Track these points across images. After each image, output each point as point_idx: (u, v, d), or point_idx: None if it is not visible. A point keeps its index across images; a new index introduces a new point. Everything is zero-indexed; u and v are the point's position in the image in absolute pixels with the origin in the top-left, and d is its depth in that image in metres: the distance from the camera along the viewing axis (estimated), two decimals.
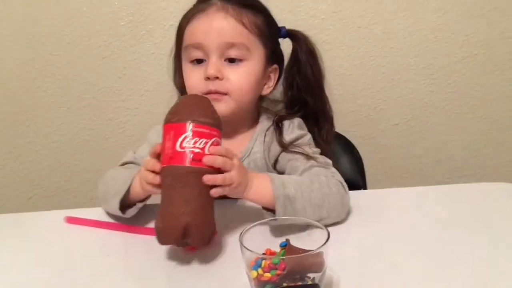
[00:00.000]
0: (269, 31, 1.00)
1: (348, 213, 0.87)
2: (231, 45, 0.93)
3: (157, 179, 0.75)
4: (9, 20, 1.33)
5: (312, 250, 0.57)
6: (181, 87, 1.06)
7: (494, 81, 1.45)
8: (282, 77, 1.08)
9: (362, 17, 1.37)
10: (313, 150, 0.99)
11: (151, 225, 0.86)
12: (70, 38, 1.35)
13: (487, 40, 1.41)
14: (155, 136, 1.00)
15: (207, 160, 0.72)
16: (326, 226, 0.69)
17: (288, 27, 1.07)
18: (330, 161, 0.96)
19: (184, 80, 1.00)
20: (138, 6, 1.33)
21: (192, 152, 0.70)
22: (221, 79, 0.93)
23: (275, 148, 1.01)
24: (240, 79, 0.94)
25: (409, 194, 1.01)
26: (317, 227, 0.63)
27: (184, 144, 0.70)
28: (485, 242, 0.76)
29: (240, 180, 0.78)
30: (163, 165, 0.72)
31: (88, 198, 1.47)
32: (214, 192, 0.74)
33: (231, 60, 0.95)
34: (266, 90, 1.03)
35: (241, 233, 0.62)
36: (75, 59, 1.37)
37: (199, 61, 0.96)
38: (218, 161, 0.74)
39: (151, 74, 1.33)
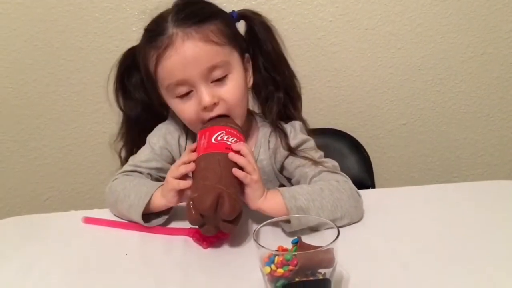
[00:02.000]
0: (231, 28, 0.96)
1: (362, 216, 0.88)
2: (212, 68, 0.89)
3: (190, 166, 0.82)
4: (24, 26, 1.36)
5: (323, 247, 0.59)
6: (126, 109, 1.04)
7: (500, 80, 1.46)
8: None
9: (369, 19, 1.39)
10: (319, 155, 0.98)
11: (168, 224, 0.89)
12: (83, 43, 1.38)
13: (493, 39, 1.42)
14: (156, 138, 1.01)
15: (235, 145, 0.83)
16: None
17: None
18: (337, 164, 0.96)
19: (178, 115, 0.96)
20: (150, 12, 1.35)
21: (225, 143, 0.82)
22: (218, 103, 0.91)
23: (281, 153, 0.99)
24: (233, 94, 0.92)
25: (417, 192, 1.02)
26: (328, 225, 0.65)
27: (219, 138, 0.82)
28: (494, 240, 0.77)
29: (257, 177, 0.83)
30: (199, 154, 0.82)
31: (102, 200, 1.48)
32: (237, 172, 0.80)
33: (218, 79, 0.92)
34: (249, 83, 1.00)
35: (255, 230, 0.64)
36: (88, 64, 1.40)
37: (186, 94, 0.92)
38: (244, 149, 0.83)
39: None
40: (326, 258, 0.60)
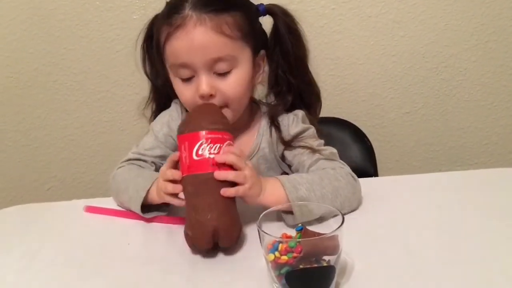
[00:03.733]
0: (250, 23, 0.93)
1: (360, 202, 0.88)
2: (218, 60, 0.88)
3: (177, 188, 0.77)
4: (24, 15, 1.35)
5: (327, 233, 0.59)
6: (152, 77, 1.03)
7: (505, 68, 1.45)
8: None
9: (372, 6, 1.38)
10: (318, 143, 0.98)
11: (171, 213, 0.89)
12: (84, 32, 1.37)
13: (498, 27, 1.41)
14: (159, 126, 1.01)
15: (219, 157, 0.73)
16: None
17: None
18: (335, 151, 0.95)
19: (177, 94, 0.96)
20: (150, 0, 1.35)
21: (208, 158, 0.73)
22: (215, 95, 0.90)
23: (280, 145, 1.00)
24: (234, 89, 0.91)
25: (420, 180, 1.02)
26: (333, 213, 0.65)
27: (200, 152, 0.73)
28: (497, 226, 0.77)
29: (253, 180, 0.78)
30: (183, 175, 0.75)
31: (104, 190, 1.49)
32: (228, 192, 0.73)
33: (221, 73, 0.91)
34: (258, 79, 0.99)
35: (259, 218, 0.63)
36: (89, 53, 1.39)
37: (188, 78, 0.92)
38: (230, 157, 0.74)
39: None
40: (331, 245, 0.60)
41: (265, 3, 0.99)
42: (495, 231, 0.76)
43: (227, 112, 0.91)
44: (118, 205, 0.96)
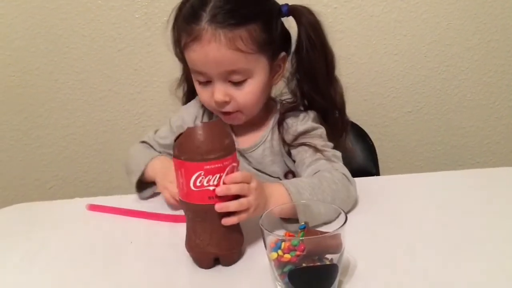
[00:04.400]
0: (267, 33, 0.92)
1: (355, 203, 0.88)
2: (232, 72, 0.90)
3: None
4: (26, 14, 1.35)
5: (330, 232, 0.59)
6: (183, 59, 1.01)
7: (507, 67, 1.45)
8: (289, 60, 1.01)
9: (374, 5, 1.38)
10: (324, 143, 0.97)
11: (173, 211, 0.89)
12: (86, 31, 1.37)
13: (500, 26, 1.41)
14: (175, 118, 1.07)
15: (220, 190, 0.68)
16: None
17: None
18: (339, 154, 0.95)
19: (197, 92, 1.00)
20: None
21: (207, 190, 0.67)
22: (229, 102, 0.93)
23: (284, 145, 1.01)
24: (248, 98, 0.93)
25: (422, 179, 1.02)
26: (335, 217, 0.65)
27: (198, 184, 0.67)
28: (499, 226, 0.77)
29: (257, 202, 0.74)
30: (181, 198, 0.70)
31: (106, 188, 1.50)
32: (229, 221, 0.70)
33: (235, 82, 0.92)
34: (277, 79, 1.00)
35: (262, 216, 0.63)
36: (91, 51, 1.39)
37: (206, 82, 0.95)
38: (233, 189, 0.69)
39: (166, 66, 1.35)
40: (333, 243, 0.59)
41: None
42: (497, 230, 0.76)
43: (238, 118, 0.96)
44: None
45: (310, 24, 0.96)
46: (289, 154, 1.01)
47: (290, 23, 0.99)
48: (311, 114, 1.02)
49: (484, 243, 0.72)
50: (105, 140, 1.47)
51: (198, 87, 0.97)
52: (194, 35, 0.88)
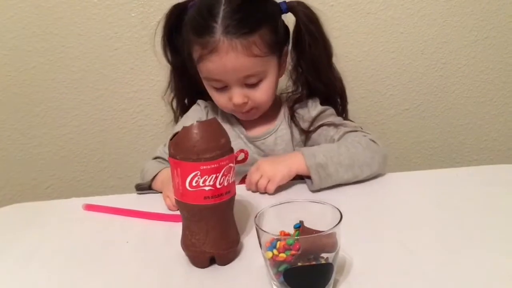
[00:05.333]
0: (275, 34, 0.99)
1: (382, 165, 0.96)
2: (248, 76, 0.97)
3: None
4: (22, 13, 1.35)
5: (325, 231, 0.59)
6: (174, 64, 1.11)
7: (504, 64, 1.45)
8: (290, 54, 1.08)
9: (371, 3, 1.38)
10: (339, 119, 1.07)
11: (169, 211, 0.89)
12: (82, 30, 1.37)
13: (497, 23, 1.41)
14: (179, 126, 1.05)
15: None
16: (365, 180, 0.95)
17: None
18: (356, 124, 1.05)
19: (212, 98, 1.05)
20: None
21: (203, 191, 0.67)
22: (247, 102, 1.00)
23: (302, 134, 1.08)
24: (264, 96, 1.00)
25: (420, 177, 1.02)
26: (330, 207, 0.65)
27: (194, 184, 0.66)
28: (497, 224, 0.77)
29: (274, 172, 0.91)
30: (176, 197, 0.70)
31: (103, 188, 1.49)
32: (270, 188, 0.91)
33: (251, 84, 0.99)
34: (281, 72, 1.07)
35: (257, 215, 0.63)
36: (87, 50, 1.39)
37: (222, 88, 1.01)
38: (251, 189, 0.93)
39: (162, 65, 1.34)
40: (329, 242, 0.59)
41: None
42: (495, 228, 0.76)
43: (254, 113, 1.04)
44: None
45: (308, 17, 1.03)
46: (305, 142, 1.08)
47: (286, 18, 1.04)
48: (316, 99, 1.10)
49: (482, 241, 0.72)
50: (102, 139, 1.46)
51: (214, 93, 1.03)
52: (211, 47, 0.93)
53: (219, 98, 1.02)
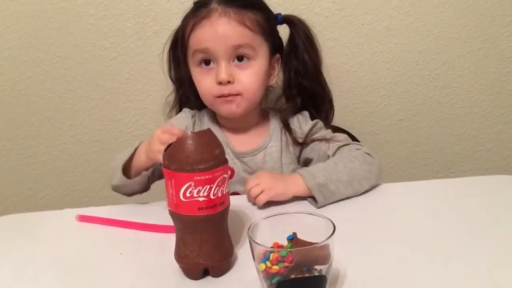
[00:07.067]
0: (269, 25, 1.03)
1: (379, 176, 0.98)
2: (238, 47, 0.97)
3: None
4: (18, 23, 1.35)
5: (318, 243, 0.59)
6: (176, 80, 1.14)
7: (498, 74, 1.46)
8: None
9: (365, 14, 1.38)
10: (328, 132, 1.08)
11: (163, 222, 0.88)
12: (77, 40, 1.37)
13: (491, 34, 1.42)
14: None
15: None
16: (366, 192, 0.95)
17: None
18: (346, 136, 1.06)
19: (196, 85, 1.04)
20: (144, 8, 1.35)
21: (197, 201, 0.67)
22: (233, 83, 0.98)
23: (294, 147, 1.09)
24: (250, 79, 0.99)
25: (414, 188, 1.02)
26: (323, 218, 0.65)
27: (188, 195, 0.66)
28: (493, 235, 0.77)
29: (270, 185, 0.90)
30: (170, 208, 0.70)
31: (98, 198, 1.49)
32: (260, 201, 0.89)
33: (240, 59, 0.98)
34: (271, 81, 1.08)
35: (250, 227, 0.63)
36: (83, 60, 1.39)
37: (207, 63, 1.00)
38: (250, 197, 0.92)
39: (158, 75, 1.35)
40: (322, 254, 0.59)
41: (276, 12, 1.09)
42: (491, 239, 0.76)
43: (238, 102, 1.01)
44: (112, 186, 1.00)
45: (303, 30, 1.09)
46: (298, 158, 1.10)
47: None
48: (305, 113, 1.12)
49: (478, 252, 0.72)
50: (97, 149, 1.46)
51: (199, 75, 1.02)
52: (204, 14, 0.97)
53: (204, 80, 1.01)
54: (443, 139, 1.51)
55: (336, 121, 1.38)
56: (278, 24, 1.09)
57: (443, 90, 1.46)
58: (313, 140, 1.06)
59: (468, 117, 1.49)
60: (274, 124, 1.11)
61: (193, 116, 1.12)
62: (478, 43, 1.42)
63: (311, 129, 1.08)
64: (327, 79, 1.18)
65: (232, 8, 0.96)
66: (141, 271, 0.74)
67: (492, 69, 1.45)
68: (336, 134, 1.08)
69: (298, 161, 1.11)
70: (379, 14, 1.39)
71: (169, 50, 1.14)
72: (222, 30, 0.96)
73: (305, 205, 0.92)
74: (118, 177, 0.96)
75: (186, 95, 1.15)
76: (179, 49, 1.08)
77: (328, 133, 1.08)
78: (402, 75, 1.44)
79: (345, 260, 0.68)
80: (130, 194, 1.02)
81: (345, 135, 1.08)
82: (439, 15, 1.40)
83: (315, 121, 1.10)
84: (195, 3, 1.04)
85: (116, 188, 1.01)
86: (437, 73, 1.45)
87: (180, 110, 1.17)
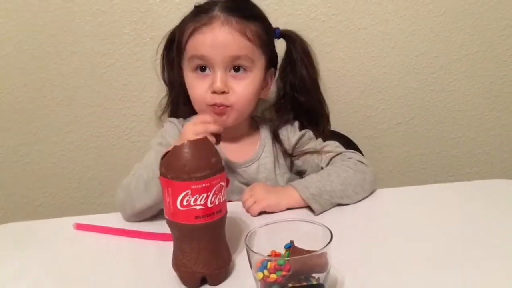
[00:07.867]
0: (268, 37, 1.02)
1: (373, 184, 0.97)
2: (237, 58, 0.96)
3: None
4: (14, 31, 1.35)
5: (316, 251, 0.59)
6: (169, 82, 1.13)
7: (495, 78, 1.46)
8: (277, 77, 1.12)
9: (362, 18, 1.39)
10: (319, 142, 1.07)
11: (160, 230, 0.87)
12: (75, 47, 1.37)
13: (487, 37, 1.42)
14: (159, 138, 1.04)
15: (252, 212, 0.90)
16: (359, 201, 0.95)
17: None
18: (337, 143, 1.06)
19: (188, 89, 1.03)
20: (141, 14, 1.35)
21: (194, 210, 0.66)
22: (227, 93, 0.96)
23: (285, 158, 1.09)
24: (245, 91, 0.98)
25: (412, 192, 1.02)
26: (320, 226, 0.65)
27: (185, 203, 0.66)
28: (491, 239, 0.77)
29: (263, 196, 0.91)
30: (167, 217, 0.70)
31: (96, 205, 1.48)
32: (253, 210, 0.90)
33: (236, 69, 0.97)
34: (264, 93, 1.07)
35: (247, 235, 0.63)
36: (80, 67, 1.39)
37: (202, 69, 0.98)
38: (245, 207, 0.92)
39: (155, 81, 1.34)
40: (320, 262, 0.59)
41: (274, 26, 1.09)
42: (489, 244, 0.76)
43: (229, 114, 0.99)
44: (128, 217, 0.93)
45: (301, 45, 1.09)
46: (291, 168, 1.09)
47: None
48: (295, 123, 1.11)
49: (476, 257, 0.72)
50: (95, 156, 1.46)
51: (193, 80, 1.00)
52: (205, 20, 0.96)
53: (198, 86, 0.98)
54: (441, 142, 1.51)
55: (334, 125, 1.38)
56: (275, 38, 1.08)
57: (440, 93, 1.46)
58: (305, 153, 1.06)
59: (465, 120, 1.49)
60: (265, 134, 1.10)
61: (183, 126, 1.08)
62: (475, 47, 1.42)
63: (298, 141, 1.08)
64: (323, 84, 1.18)
65: (234, 17, 0.95)
66: (139, 279, 0.74)
67: (489, 72, 1.45)
68: (328, 143, 1.07)
69: (291, 172, 1.11)
70: (376, 18, 1.39)
71: (163, 51, 1.12)
72: (222, 39, 0.95)
73: (302, 213, 0.92)
74: (152, 195, 0.88)
75: (178, 99, 1.14)
76: (174, 51, 1.07)
77: (319, 143, 1.07)
78: (399, 79, 1.44)
79: (343, 267, 0.68)
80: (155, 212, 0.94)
81: (337, 143, 1.07)
82: (435, 19, 1.40)
83: (303, 131, 1.09)
84: (196, 7, 1.03)
85: (144, 211, 0.92)
86: (434, 76, 1.45)
87: (172, 113, 1.16)
